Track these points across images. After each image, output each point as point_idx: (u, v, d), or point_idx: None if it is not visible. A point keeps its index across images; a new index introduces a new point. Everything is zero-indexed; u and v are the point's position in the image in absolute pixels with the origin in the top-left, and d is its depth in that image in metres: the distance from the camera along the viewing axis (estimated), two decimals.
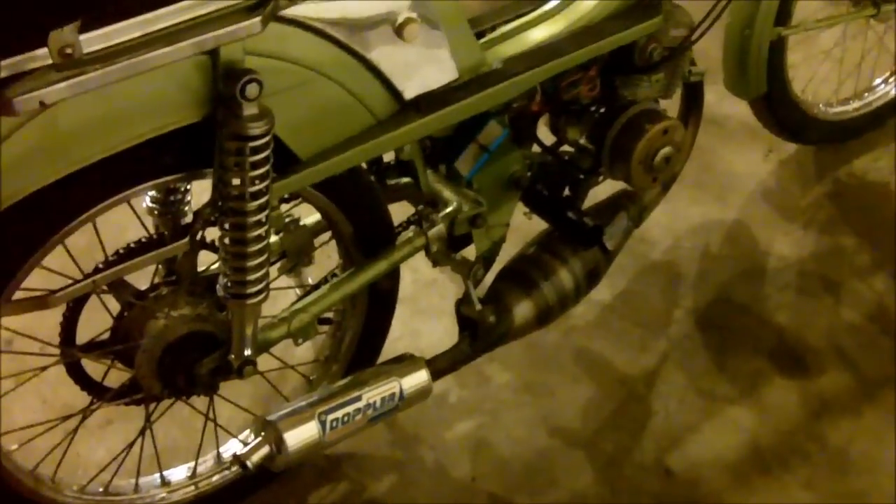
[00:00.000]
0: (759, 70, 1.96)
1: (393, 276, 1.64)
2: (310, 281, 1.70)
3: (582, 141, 1.76)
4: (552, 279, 1.69)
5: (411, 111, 1.43)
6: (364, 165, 1.57)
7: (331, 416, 1.40)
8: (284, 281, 1.68)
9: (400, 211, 1.62)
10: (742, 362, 1.93)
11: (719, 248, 2.14)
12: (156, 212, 1.53)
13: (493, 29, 1.57)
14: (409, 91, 1.42)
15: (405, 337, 1.97)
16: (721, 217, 2.20)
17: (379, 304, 1.66)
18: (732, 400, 1.87)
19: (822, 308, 2.01)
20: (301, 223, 1.58)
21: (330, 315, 1.67)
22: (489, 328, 1.62)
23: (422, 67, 1.42)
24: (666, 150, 1.71)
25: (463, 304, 1.62)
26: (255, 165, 1.27)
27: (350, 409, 1.42)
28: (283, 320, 1.50)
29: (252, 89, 1.21)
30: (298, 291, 1.68)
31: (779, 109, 2.10)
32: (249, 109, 1.23)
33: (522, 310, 1.67)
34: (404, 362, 1.53)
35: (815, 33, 2.11)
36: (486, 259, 1.70)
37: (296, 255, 1.61)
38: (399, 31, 1.37)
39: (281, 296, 1.61)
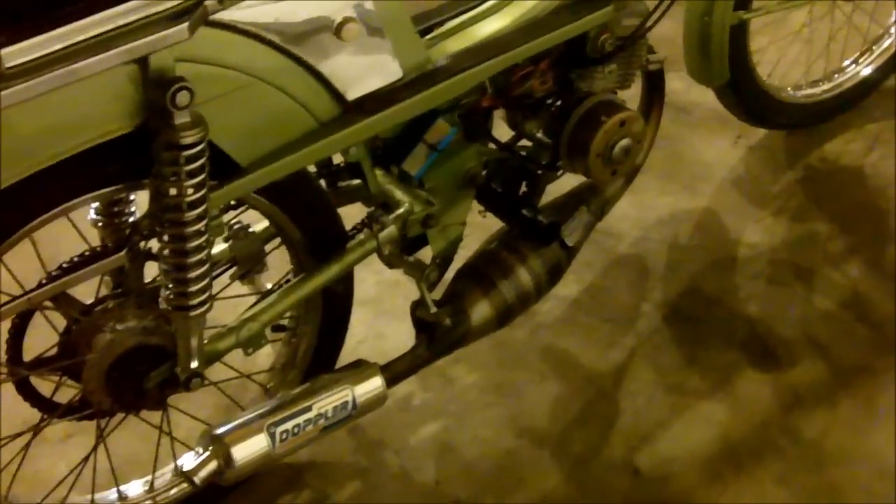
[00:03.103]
0: (722, 57, 1.97)
1: (347, 279, 1.66)
2: (268, 286, 1.71)
3: (539, 135, 1.77)
4: (511, 278, 1.71)
5: (355, 113, 1.45)
6: (313, 168, 1.59)
7: (280, 428, 1.42)
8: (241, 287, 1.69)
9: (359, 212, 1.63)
10: (713, 355, 1.95)
11: (689, 238, 2.16)
12: (100, 223, 1.54)
13: (439, 26, 1.58)
14: (352, 92, 1.44)
15: (368, 340, 1.99)
16: (690, 207, 2.22)
17: (334, 308, 1.68)
18: (703, 394, 1.89)
19: (794, 297, 2.03)
20: (251, 229, 1.59)
21: (284, 322, 1.69)
22: (446, 331, 1.64)
23: (364, 68, 1.43)
24: (624, 142, 1.73)
25: (418, 307, 1.64)
26: (190, 175, 1.28)
27: (300, 419, 1.44)
28: (232, 330, 1.51)
29: (182, 97, 1.23)
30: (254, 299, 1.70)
31: (744, 95, 2.12)
32: (181, 118, 1.24)
33: (480, 310, 1.68)
34: (357, 369, 1.55)
35: (781, 15, 2.13)
36: (444, 258, 1.71)
37: (247, 261, 1.62)
38: (338, 32, 1.38)
39: (241, 303, 1.62)
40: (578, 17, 1.60)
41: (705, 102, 2.26)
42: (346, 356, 1.73)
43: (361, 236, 1.59)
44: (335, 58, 1.40)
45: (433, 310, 1.62)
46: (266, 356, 1.77)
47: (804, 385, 1.90)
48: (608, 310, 2.03)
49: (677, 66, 2.07)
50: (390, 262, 1.62)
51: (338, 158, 1.61)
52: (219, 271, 1.63)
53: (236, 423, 1.41)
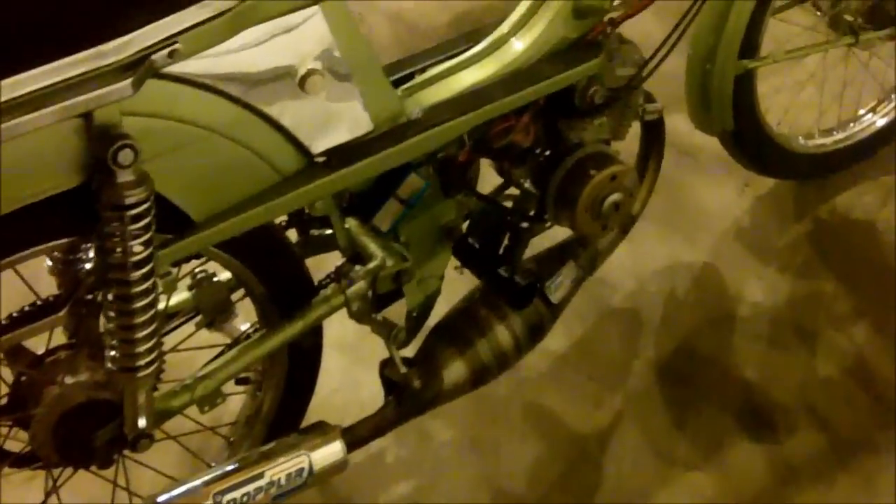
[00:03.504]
0: (724, 106, 1.91)
1: (315, 333, 1.61)
2: (243, 327, 1.66)
3: (527, 185, 1.72)
4: (488, 336, 1.66)
5: (320, 166, 1.40)
6: (284, 219, 1.55)
7: (227, 497, 1.37)
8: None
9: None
10: (705, 421, 1.88)
11: (686, 292, 2.09)
12: (56, 272, 1.50)
13: (415, 75, 1.53)
14: (318, 145, 1.39)
15: (344, 388, 1.94)
16: (689, 258, 2.15)
17: (300, 363, 1.63)
18: (692, 463, 1.83)
19: (794, 361, 1.96)
20: (215, 278, 1.55)
21: (248, 374, 1.65)
22: (415, 393, 1.58)
23: (331, 120, 1.39)
24: (615, 197, 1.67)
25: (387, 365, 1.59)
26: (134, 234, 1.24)
27: (250, 487, 1.39)
28: (186, 388, 1.47)
29: (125, 156, 1.18)
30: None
31: (750, 144, 2.05)
32: (124, 176, 1.20)
33: (454, 371, 1.63)
34: (316, 432, 1.50)
35: (793, 61, 2.05)
36: (420, 313, 1.66)
37: (211, 310, 1.58)
38: (302, 84, 1.33)
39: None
40: (565, 69, 1.55)
41: (710, 147, 2.19)
42: (319, 405, 1.70)
43: (328, 291, 1.54)
44: (299, 110, 1.35)
45: (402, 370, 1.57)
46: (235, 405, 1.72)
47: (800, 458, 1.84)
48: (597, 366, 1.97)
49: (682, 105, 2.01)
50: (359, 319, 1.57)
51: None
52: (181, 321, 1.59)
53: (180, 490, 1.37)
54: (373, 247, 1.57)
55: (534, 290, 1.60)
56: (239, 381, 1.64)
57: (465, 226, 1.64)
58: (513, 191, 1.77)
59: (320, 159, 1.39)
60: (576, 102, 1.61)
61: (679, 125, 2.09)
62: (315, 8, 1.30)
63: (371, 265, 1.54)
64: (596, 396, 1.93)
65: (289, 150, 1.37)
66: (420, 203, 1.55)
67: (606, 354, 1.99)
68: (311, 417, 1.75)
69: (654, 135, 1.89)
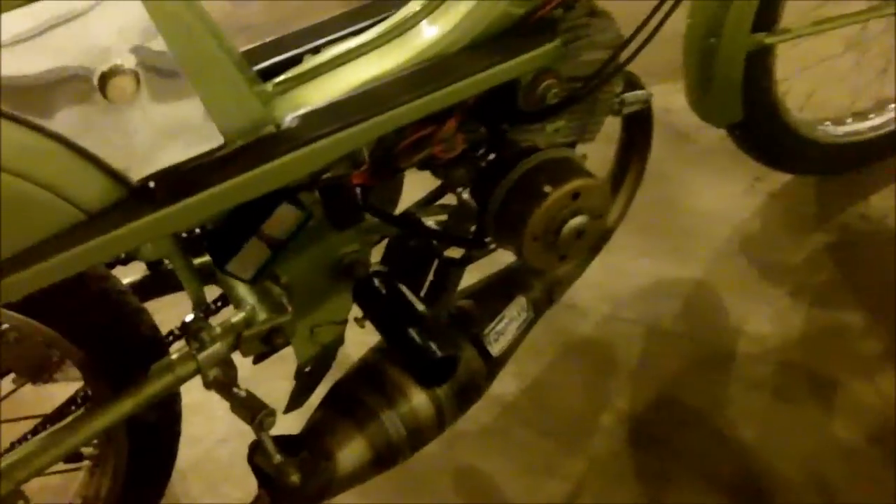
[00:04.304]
0: (731, 91, 1.54)
1: (165, 404, 1.25)
2: None
3: (465, 196, 1.35)
4: (398, 404, 1.32)
5: (142, 200, 1.03)
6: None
7: None
8: None
9: None
10: (687, 496, 1.54)
11: (673, 322, 1.74)
12: None
13: (289, 66, 1.14)
14: (137, 170, 1.03)
15: (233, 438, 1.65)
16: (679, 276, 1.81)
17: (146, 442, 1.33)
18: None
19: (805, 420, 1.61)
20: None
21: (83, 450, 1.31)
22: (294, 490, 1.23)
23: (157, 135, 1.02)
24: (577, 221, 1.32)
25: (257, 453, 1.23)
26: None
27: None
28: None
29: None
30: None
31: (762, 133, 1.68)
32: None
33: (352, 452, 1.31)
34: None
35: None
36: (315, 369, 1.34)
37: (27, 370, 1.23)
38: (102, 88, 0.96)
39: None
40: (502, 59, 1.16)
41: (716, 129, 1.80)
42: (201, 460, 1.55)
43: (174, 357, 1.18)
44: (103, 123, 1.00)
45: (276, 459, 1.21)
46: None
47: None
48: (554, 419, 1.63)
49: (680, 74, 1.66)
50: (219, 391, 1.21)
51: None
52: None
53: None
54: (242, 290, 1.22)
55: (453, 367, 1.22)
56: (68, 458, 1.30)
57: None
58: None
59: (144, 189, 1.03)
60: (519, 103, 1.22)
61: (676, 100, 1.73)
62: None
63: (235, 319, 1.20)
64: (550, 460, 1.58)
65: (95, 177, 1.04)
66: (301, 239, 1.18)
67: (566, 404, 1.64)
68: (188, 475, 1.59)
69: (637, 129, 1.56)
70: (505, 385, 1.64)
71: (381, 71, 1.14)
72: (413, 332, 1.22)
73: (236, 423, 1.57)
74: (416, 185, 1.40)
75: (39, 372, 1.27)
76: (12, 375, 1.31)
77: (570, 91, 1.25)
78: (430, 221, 1.40)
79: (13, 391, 1.31)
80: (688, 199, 1.90)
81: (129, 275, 1.30)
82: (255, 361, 1.37)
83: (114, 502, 1.36)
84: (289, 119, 1.10)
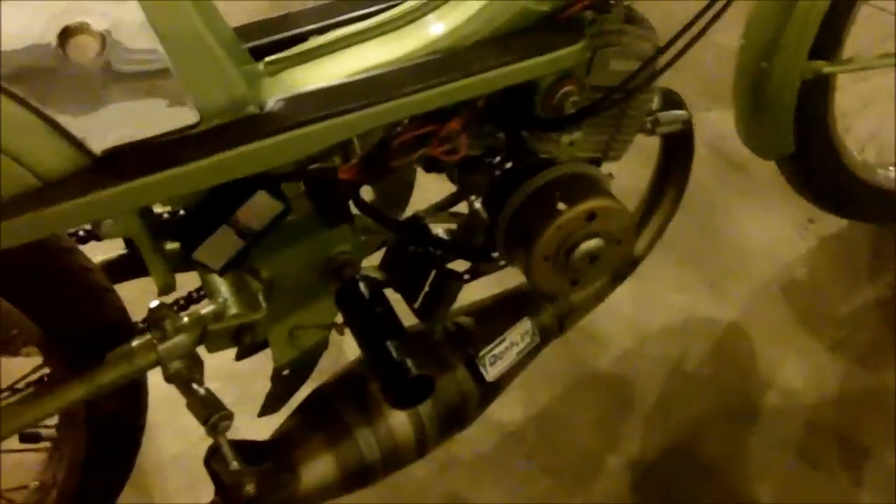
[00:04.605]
0: (782, 121, 1.43)
1: (126, 393, 1.21)
2: None
3: (477, 204, 1.27)
4: (376, 422, 1.24)
5: (105, 172, 0.96)
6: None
7: None
8: None
9: None
10: None
11: (699, 364, 1.63)
12: None
13: (284, 46, 1.06)
14: (100, 141, 0.96)
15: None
16: (713, 315, 1.70)
17: (105, 430, 1.25)
18: None
19: (829, 486, 1.50)
20: None
21: (38, 429, 1.25)
22: (246, 500, 1.15)
23: (121, 106, 0.96)
24: (590, 245, 1.23)
25: (214, 457, 1.15)
26: None
27: None
28: None
29: None
30: None
31: (817, 172, 1.56)
32: None
33: (317, 469, 1.23)
34: None
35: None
36: (294, 374, 1.26)
37: None
38: (63, 44, 0.89)
39: None
40: (519, 57, 1.07)
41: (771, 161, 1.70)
42: (183, 452, 1.47)
43: (134, 344, 1.11)
44: (65, 86, 0.93)
45: (232, 465, 1.14)
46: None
47: None
48: (557, 455, 1.53)
49: None
50: (179, 386, 1.14)
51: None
52: None
53: None
54: (216, 283, 1.14)
55: (428, 388, 1.13)
56: (25, 438, 1.29)
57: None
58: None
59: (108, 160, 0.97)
60: (536, 109, 1.13)
61: (729, 124, 1.60)
62: None
63: (204, 311, 1.12)
64: (547, 499, 1.49)
65: (56, 144, 0.96)
66: (286, 233, 1.11)
67: (573, 440, 1.55)
68: (167, 469, 1.55)
69: (675, 152, 1.45)
70: (510, 412, 1.55)
71: (382, 59, 1.06)
72: (390, 346, 1.13)
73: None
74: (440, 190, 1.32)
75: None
76: None
77: (593, 100, 1.15)
78: (439, 229, 1.32)
79: None
80: (733, 233, 1.79)
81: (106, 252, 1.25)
82: (238, 358, 1.30)
83: (71, 489, 1.29)
84: (273, 101, 1.02)
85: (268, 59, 1.06)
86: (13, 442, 1.27)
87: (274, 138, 1.01)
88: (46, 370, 1.18)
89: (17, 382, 1.22)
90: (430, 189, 1.34)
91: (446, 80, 1.06)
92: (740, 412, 1.57)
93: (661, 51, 1.16)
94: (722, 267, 1.74)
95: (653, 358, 1.63)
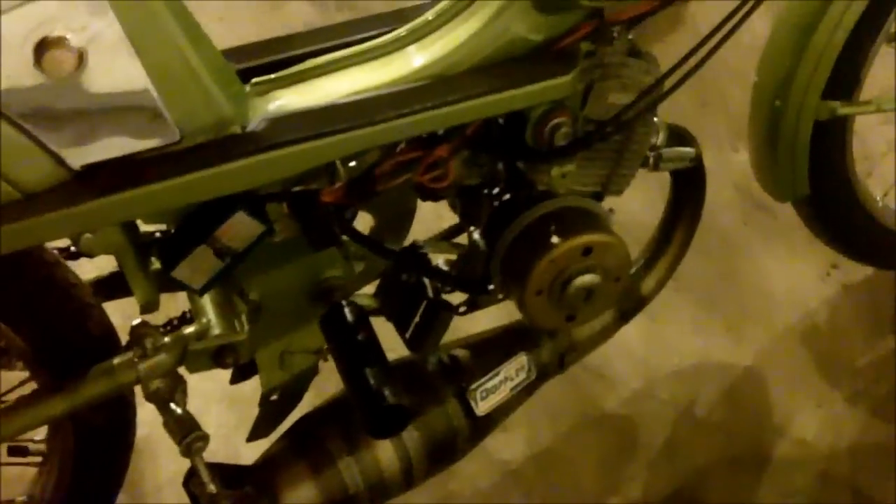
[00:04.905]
0: (797, 163, 1.40)
1: (113, 408, 1.22)
2: None
3: (476, 235, 1.27)
4: (360, 453, 1.23)
5: (85, 187, 0.97)
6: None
7: None
8: None
9: None
10: None
11: (710, 409, 1.61)
12: None
13: (278, 68, 1.07)
14: (78, 156, 0.98)
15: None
16: (727, 359, 1.67)
17: (92, 446, 1.26)
18: None
19: None
20: None
21: (27, 444, 1.27)
22: None
23: (100, 122, 0.97)
24: (585, 280, 1.21)
25: (192, 479, 1.16)
26: None
27: None
28: None
29: None
30: None
31: (835, 216, 1.52)
32: None
33: (299, 497, 1.23)
34: None
35: None
36: (283, 399, 1.26)
37: None
38: (38, 58, 0.90)
39: None
40: (507, 85, 1.07)
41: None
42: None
43: (116, 361, 1.12)
44: (37, 99, 0.93)
45: (209, 488, 1.14)
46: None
47: None
48: (557, 495, 1.52)
49: None
50: (159, 406, 1.15)
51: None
52: None
53: None
54: (201, 303, 1.15)
55: (403, 419, 1.12)
56: (13, 451, 1.30)
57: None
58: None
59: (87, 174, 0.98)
60: (527, 139, 1.12)
61: None
62: None
63: (186, 331, 1.13)
64: None
65: (35, 156, 0.97)
66: (274, 255, 1.13)
67: (575, 480, 1.53)
68: (164, 490, 1.54)
69: (684, 190, 1.42)
70: (512, 448, 1.54)
71: (370, 84, 1.06)
72: (368, 373, 1.12)
73: (225, 443, 1.54)
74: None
75: None
76: None
77: (584, 133, 1.14)
78: (438, 259, 1.32)
79: None
80: (755, 276, 1.76)
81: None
82: (232, 382, 1.31)
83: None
84: (257, 121, 1.03)
85: (255, 80, 1.07)
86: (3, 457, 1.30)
87: (254, 158, 1.01)
88: (34, 384, 1.20)
89: (2, 395, 1.24)
90: (444, 217, 1.34)
91: (432, 107, 1.05)
92: (750, 460, 1.53)
93: (654, 85, 1.14)
94: (741, 310, 1.71)
95: (662, 401, 1.60)
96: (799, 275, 1.77)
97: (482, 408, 1.29)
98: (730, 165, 1.82)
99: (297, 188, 1.09)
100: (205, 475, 1.14)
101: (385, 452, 1.23)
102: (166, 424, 1.14)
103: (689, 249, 1.42)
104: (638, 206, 1.56)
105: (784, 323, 1.69)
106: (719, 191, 1.81)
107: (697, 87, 1.89)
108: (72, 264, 1.17)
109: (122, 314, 1.18)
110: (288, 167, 1.04)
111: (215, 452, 1.52)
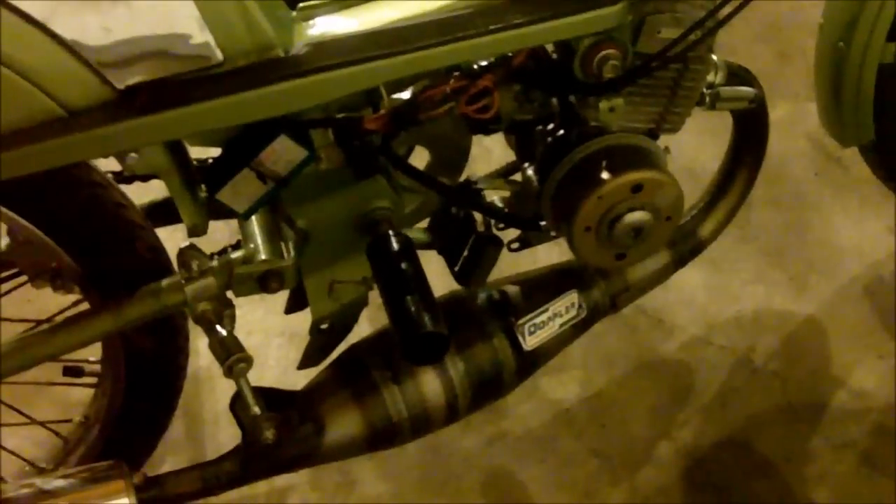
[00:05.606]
0: (861, 108, 1.35)
1: (164, 333, 1.25)
2: None
3: (530, 172, 1.25)
4: (404, 384, 1.22)
5: (129, 106, 0.98)
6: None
7: None
8: None
9: None
10: None
11: (768, 358, 1.57)
12: None
13: None
14: (122, 76, 0.99)
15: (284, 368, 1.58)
16: (789, 308, 1.62)
17: (143, 369, 1.28)
18: None
19: (890, 493, 1.41)
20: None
21: (82, 365, 1.32)
22: (267, 448, 1.15)
23: (147, 40, 0.97)
24: (635, 217, 1.19)
25: (237, 402, 1.17)
26: None
27: None
28: None
29: None
30: None
31: None
32: None
33: (342, 424, 1.23)
34: (101, 479, 1.10)
35: None
36: (334, 328, 1.26)
37: (28, 270, 1.23)
38: None
39: None
40: (552, 16, 1.04)
41: None
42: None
43: (163, 283, 1.14)
44: (82, 17, 0.95)
45: (253, 410, 1.14)
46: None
47: None
48: (608, 439, 1.50)
49: None
50: (205, 328, 1.16)
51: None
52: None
53: None
54: (252, 229, 1.17)
55: (443, 346, 1.11)
56: (67, 371, 1.34)
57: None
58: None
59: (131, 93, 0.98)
60: (575, 71, 1.10)
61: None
62: None
63: (234, 255, 1.15)
64: (590, 483, 1.46)
65: (81, 75, 0.97)
66: (319, 182, 1.12)
67: (626, 424, 1.51)
68: (220, 420, 1.53)
69: (746, 132, 1.39)
70: (565, 390, 1.52)
71: (415, 11, 1.05)
72: (409, 300, 1.11)
73: (286, 375, 1.55)
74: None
75: (38, 274, 1.24)
76: None
77: (633, 66, 1.11)
78: (494, 195, 1.30)
79: (11, 290, 1.30)
80: (822, 227, 1.71)
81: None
82: (287, 311, 1.31)
83: (112, 425, 1.32)
84: (299, 46, 1.03)
85: (301, 4, 1.07)
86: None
87: (295, 81, 1.01)
88: (86, 305, 1.22)
89: (54, 315, 1.27)
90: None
91: (475, 34, 1.04)
92: (804, 410, 1.50)
93: (704, 19, 1.11)
94: (805, 261, 1.66)
95: (719, 347, 1.57)
96: (867, 229, 1.72)
97: (530, 342, 1.27)
98: (805, 116, 1.77)
99: (340, 115, 1.09)
100: (248, 397, 1.15)
101: (430, 383, 1.22)
102: (211, 346, 1.14)
103: (756, 198, 1.39)
104: (706, 149, 1.52)
105: (849, 275, 1.64)
106: (792, 141, 1.76)
107: (775, 39, 1.84)
108: (126, 189, 1.20)
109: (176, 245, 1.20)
110: (329, 92, 1.03)
111: (273, 384, 1.56)
